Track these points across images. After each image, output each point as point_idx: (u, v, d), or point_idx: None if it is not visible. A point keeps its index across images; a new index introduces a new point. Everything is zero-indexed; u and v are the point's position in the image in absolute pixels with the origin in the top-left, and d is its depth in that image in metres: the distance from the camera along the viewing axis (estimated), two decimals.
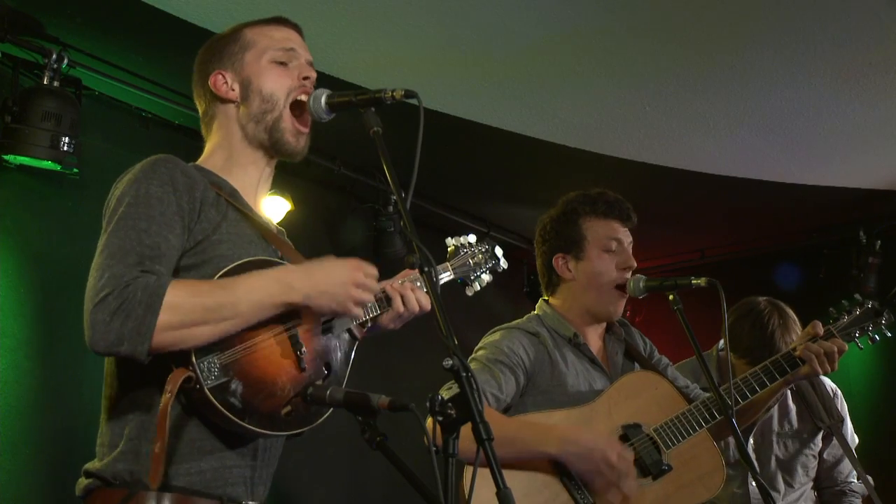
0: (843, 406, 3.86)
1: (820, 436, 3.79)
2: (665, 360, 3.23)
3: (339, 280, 2.05)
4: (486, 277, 2.57)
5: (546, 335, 3.02)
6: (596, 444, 2.78)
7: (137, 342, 1.85)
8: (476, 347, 3.03)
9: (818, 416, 3.75)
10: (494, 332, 3.06)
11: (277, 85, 2.23)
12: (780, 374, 3.01)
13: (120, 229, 1.96)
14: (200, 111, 2.32)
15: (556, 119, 4.80)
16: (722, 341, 3.85)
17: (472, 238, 2.58)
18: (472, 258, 2.54)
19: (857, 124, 4.75)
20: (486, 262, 2.57)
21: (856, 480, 3.83)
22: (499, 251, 2.62)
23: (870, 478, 3.77)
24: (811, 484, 3.81)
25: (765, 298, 3.77)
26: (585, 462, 2.76)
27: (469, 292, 2.56)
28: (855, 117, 4.67)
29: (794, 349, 3.03)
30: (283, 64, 2.25)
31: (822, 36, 3.99)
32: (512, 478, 2.69)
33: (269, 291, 1.97)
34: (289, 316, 2.05)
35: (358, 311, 2.11)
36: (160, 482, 1.89)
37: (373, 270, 2.11)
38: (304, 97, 2.23)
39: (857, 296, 3.22)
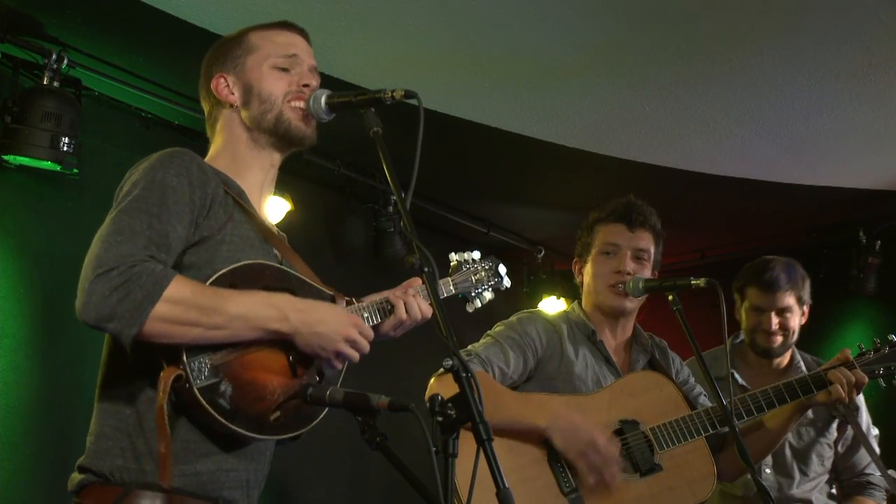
0: (860, 398, 3.81)
1: (835, 425, 3.75)
2: (699, 389, 3.23)
3: (334, 329, 2.05)
4: (487, 295, 2.56)
5: (564, 328, 3.08)
6: (585, 425, 2.81)
7: (127, 324, 1.85)
8: (495, 325, 3.10)
9: (831, 406, 3.73)
10: (517, 314, 3.15)
11: (275, 87, 2.23)
12: (804, 392, 3.03)
13: (132, 210, 1.97)
14: (205, 112, 2.33)
15: (556, 119, 4.80)
16: (741, 334, 3.87)
17: (476, 254, 2.57)
18: (475, 275, 2.53)
19: (857, 124, 4.75)
20: (488, 280, 2.56)
21: (876, 473, 3.77)
22: (502, 269, 2.60)
23: (892, 472, 3.71)
24: (827, 476, 3.76)
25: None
26: (572, 440, 2.79)
27: (469, 308, 2.55)
28: (855, 117, 4.67)
29: (826, 372, 3.04)
30: (284, 70, 2.25)
31: (822, 36, 3.99)
32: (498, 449, 2.72)
33: (265, 314, 1.98)
34: None
35: (336, 364, 2.11)
36: (170, 481, 1.90)
37: (369, 333, 2.12)
38: (300, 104, 2.23)
39: (891, 336, 3.19)
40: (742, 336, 3.81)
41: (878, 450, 3.71)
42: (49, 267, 4.12)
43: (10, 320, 3.99)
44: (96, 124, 4.33)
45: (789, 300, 3.67)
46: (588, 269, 3.16)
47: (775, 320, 3.66)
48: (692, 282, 2.92)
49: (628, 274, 3.04)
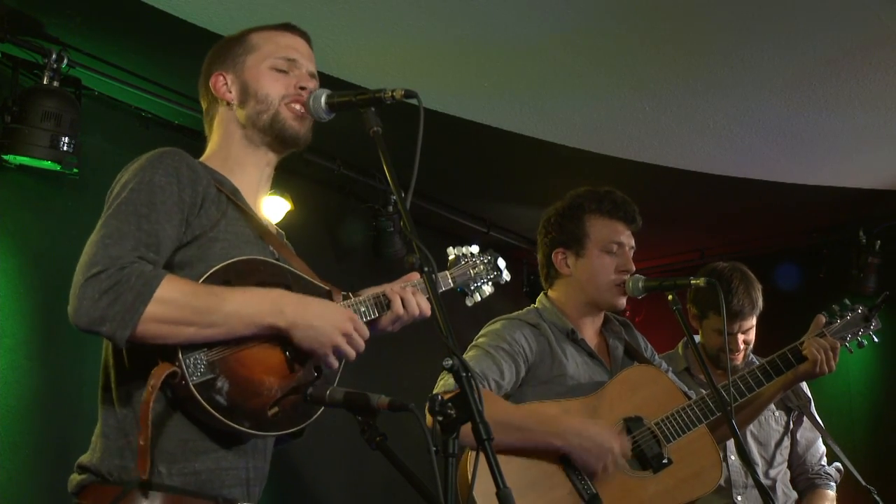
0: (807, 389, 3.89)
1: (792, 416, 3.83)
2: (665, 364, 3.26)
3: (330, 323, 2.03)
4: (487, 289, 2.54)
5: (547, 329, 3.04)
6: (603, 437, 2.81)
7: (120, 326, 1.85)
8: (477, 336, 3.05)
9: (786, 398, 3.77)
10: (495, 321, 3.08)
11: (272, 88, 2.23)
12: (787, 367, 3.09)
13: (121, 213, 1.97)
14: (203, 108, 2.34)
15: (556, 119, 4.80)
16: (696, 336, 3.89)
17: (474, 248, 2.55)
18: (473, 268, 2.52)
19: (858, 124, 4.75)
20: (487, 273, 2.54)
21: (826, 465, 3.86)
22: (501, 263, 2.58)
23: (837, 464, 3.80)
24: (785, 466, 3.82)
25: (727, 262, 3.79)
26: (593, 455, 2.79)
27: (469, 302, 2.53)
28: (855, 117, 4.67)
29: (801, 343, 3.09)
30: (282, 72, 2.25)
31: (821, 36, 3.99)
32: (514, 466, 2.74)
33: (259, 309, 1.97)
34: None
35: (333, 362, 2.07)
36: (148, 474, 1.89)
37: (365, 331, 2.09)
38: (298, 106, 2.23)
39: (846, 300, 3.29)
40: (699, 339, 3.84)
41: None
42: (49, 267, 4.11)
43: (10, 320, 3.99)
44: (96, 124, 4.33)
45: (753, 321, 3.72)
46: (584, 264, 3.06)
47: (741, 339, 3.70)
48: (692, 281, 2.93)
49: (632, 273, 3.04)
